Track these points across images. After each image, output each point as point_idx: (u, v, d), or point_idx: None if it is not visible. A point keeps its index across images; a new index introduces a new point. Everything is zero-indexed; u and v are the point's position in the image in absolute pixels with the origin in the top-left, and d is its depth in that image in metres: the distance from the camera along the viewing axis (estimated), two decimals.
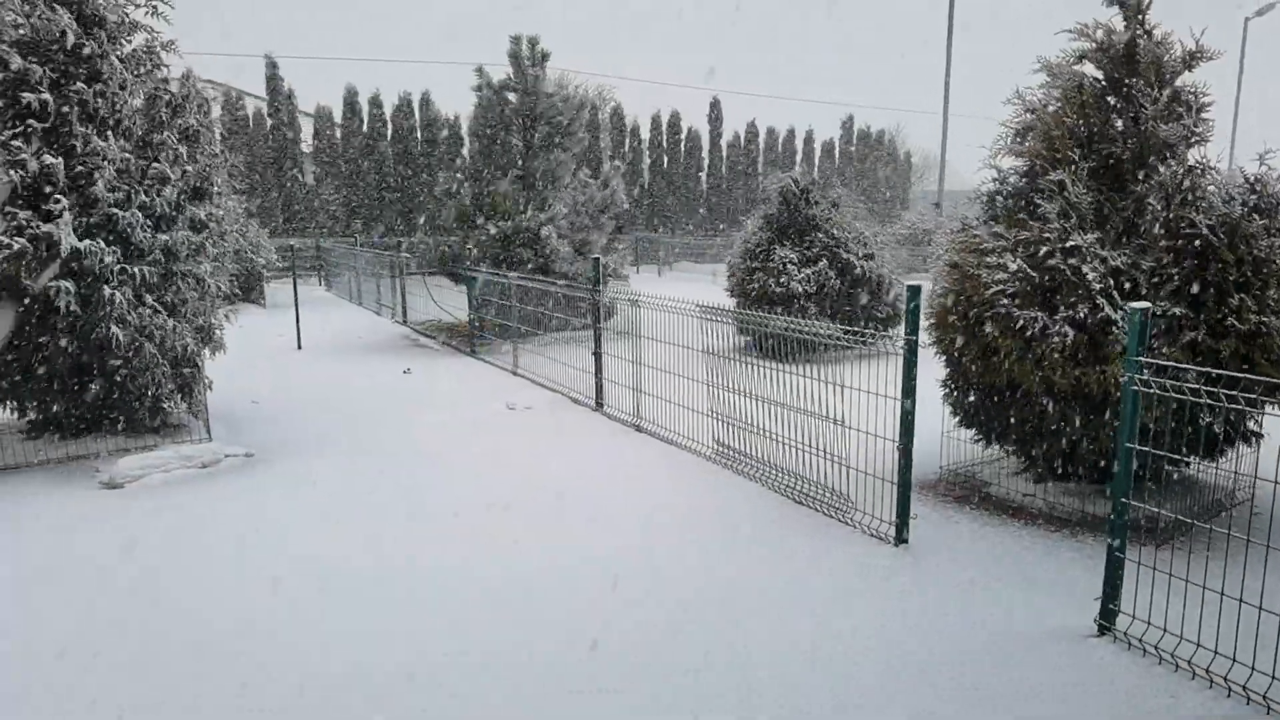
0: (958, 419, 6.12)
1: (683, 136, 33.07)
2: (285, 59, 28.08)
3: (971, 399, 5.97)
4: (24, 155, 6.15)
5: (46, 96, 6.30)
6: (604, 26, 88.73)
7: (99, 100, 6.59)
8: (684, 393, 6.97)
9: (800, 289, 10.86)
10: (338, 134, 27.07)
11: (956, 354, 5.66)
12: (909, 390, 4.85)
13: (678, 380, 7.09)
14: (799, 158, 35.74)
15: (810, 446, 5.67)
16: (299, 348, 12.02)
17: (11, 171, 6.08)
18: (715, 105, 33.48)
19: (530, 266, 12.07)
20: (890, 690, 3.50)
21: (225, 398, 8.18)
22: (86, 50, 6.55)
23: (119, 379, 6.63)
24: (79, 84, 6.48)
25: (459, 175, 13.61)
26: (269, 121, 26.12)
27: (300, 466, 6.58)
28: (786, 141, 35.41)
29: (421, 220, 27.19)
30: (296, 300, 12.50)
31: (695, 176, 33.69)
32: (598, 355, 8.20)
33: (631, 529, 5.29)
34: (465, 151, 28.29)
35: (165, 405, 7.24)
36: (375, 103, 27.29)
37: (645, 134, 32.71)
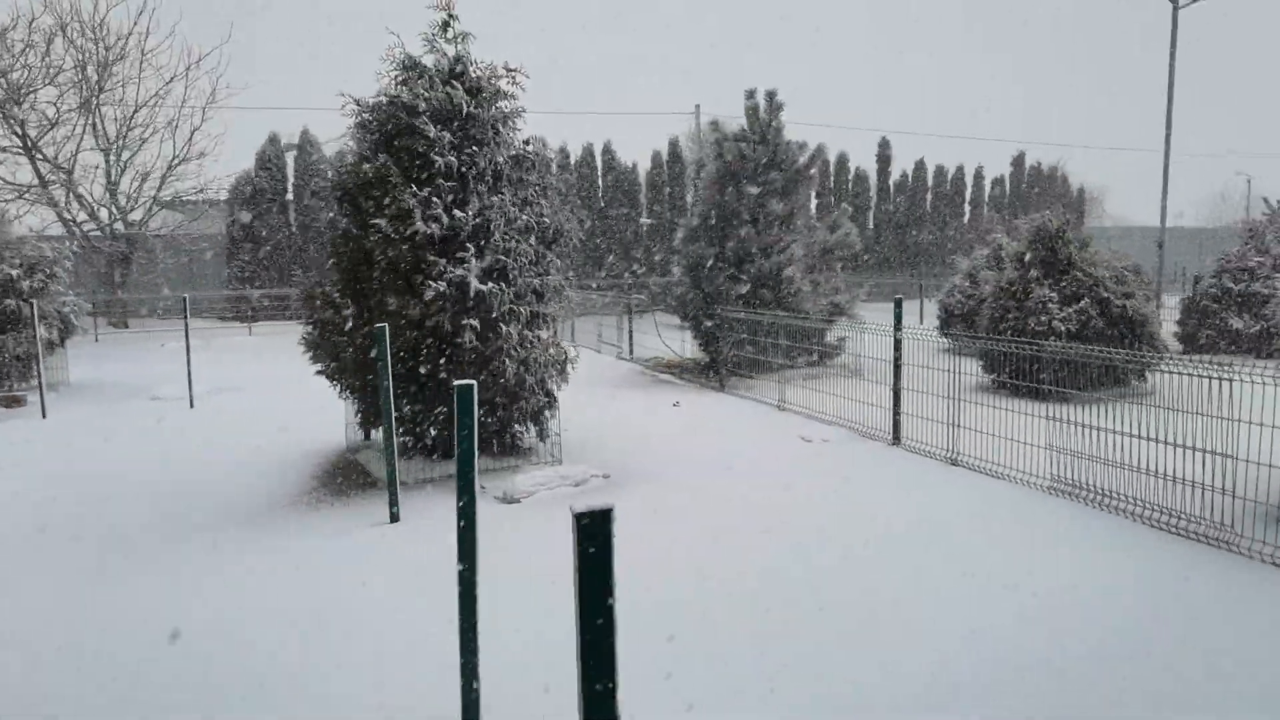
0: None
1: (850, 177, 33.24)
2: None
3: None
4: (439, 210, 7.15)
5: (452, 159, 7.31)
6: (765, 66, 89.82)
7: (485, 161, 7.56)
8: (1000, 425, 7.26)
9: (1062, 328, 10.87)
10: None
11: None
12: None
13: (987, 412, 7.39)
14: (968, 195, 35.18)
15: (1182, 478, 5.83)
16: None
17: (432, 225, 7.08)
18: (884, 144, 33.53)
19: (771, 306, 12.59)
20: None
21: None
22: (475, 117, 7.55)
23: (496, 403, 7.49)
24: (472, 147, 7.48)
25: (694, 221, 14.34)
26: None
27: (653, 490, 7.17)
28: (955, 179, 34.96)
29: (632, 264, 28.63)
30: None
31: (862, 217, 33.70)
32: (897, 391, 8.54)
33: (1012, 564, 5.57)
34: (642, 197, 29.78)
35: (518, 429, 8.11)
36: (562, 152, 28.95)
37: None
